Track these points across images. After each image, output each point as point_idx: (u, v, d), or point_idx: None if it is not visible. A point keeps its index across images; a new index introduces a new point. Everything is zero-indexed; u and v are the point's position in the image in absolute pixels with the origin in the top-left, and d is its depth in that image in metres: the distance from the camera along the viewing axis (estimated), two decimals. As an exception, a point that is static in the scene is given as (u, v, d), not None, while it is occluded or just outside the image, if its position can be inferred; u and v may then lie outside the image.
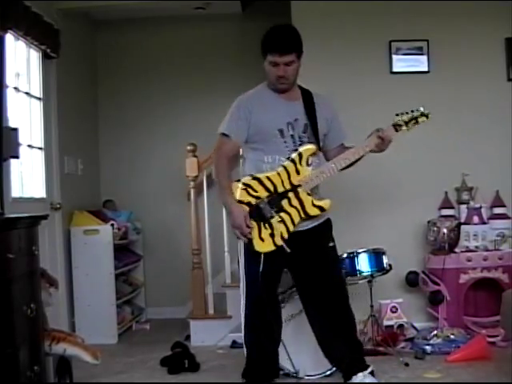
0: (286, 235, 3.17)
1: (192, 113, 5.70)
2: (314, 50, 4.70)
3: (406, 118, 3.28)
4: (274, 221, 3.17)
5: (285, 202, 3.18)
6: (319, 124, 3.27)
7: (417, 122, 3.29)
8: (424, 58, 4.69)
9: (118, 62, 5.91)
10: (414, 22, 4.69)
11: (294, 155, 3.20)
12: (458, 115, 4.68)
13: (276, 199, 3.18)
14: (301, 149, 3.21)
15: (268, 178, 3.18)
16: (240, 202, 3.17)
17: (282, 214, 3.18)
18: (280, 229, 3.16)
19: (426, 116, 3.30)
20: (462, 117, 4.69)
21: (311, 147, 3.23)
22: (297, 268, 3.32)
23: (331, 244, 3.34)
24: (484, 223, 4.49)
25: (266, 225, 3.16)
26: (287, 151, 3.21)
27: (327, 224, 3.36)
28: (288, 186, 3.19)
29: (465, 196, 4.60)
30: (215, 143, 3.33)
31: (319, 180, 3.23)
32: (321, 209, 3.23)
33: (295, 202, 3.19)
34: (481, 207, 4.52)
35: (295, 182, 3.19)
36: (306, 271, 3.29)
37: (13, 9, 3.83)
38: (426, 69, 4.70)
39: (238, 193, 3.19)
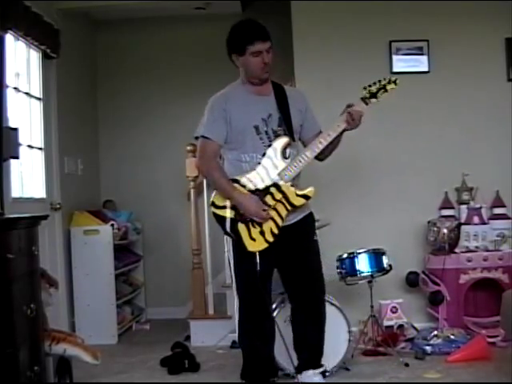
0: (276, 231, 3.17)
1: (192, 113, 5.64)
2: (313, 49, 4.74)
3: (373, 88, 3.27)
4: None
5: (268, 198, 3.17)
6: (293, 116, 3.26)
7: (386, 91, 3.27)
8: (424, 58, 4.68)
9: (118, 62, 5.91)
10: (414, 22, 4.69)
11: (269, 150, 3.19)
12: (458, 115, 4.68)
13: (259, 196, 3.16)
14: (274, 143, 3.21)
15: (248, 178, 3.18)
16: (225, 207, 3.18)
17: (268, 210, 3.17)
18: (269, 225, 3.16)
19: (394, 83, 3.28)
20: (462, 117, 4.68)
21: (284, 139, 3.22)
22: (285, 264, 3.31)
23: (315, 238, 3.36)
24: (484, 223, 4.48)
25: (255, 224, 3.16)
26: (263, 148, 3.21)
27: (310, 217, 3.37)
28: (268, 182, 3.18)
29: (465, 196, 4.59)
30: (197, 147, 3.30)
31: (297, 169, 3.21)
32: (305, 197, 3.22)
33: (279, 196, 3.18)
34: (481, 207, 4.51)
35: (274, 177, 3.19)
36: (293, 266, 3.30)
37: (13, 9, 3.83)
38: (426, 69, 4.69)
39: (222, 199, 3.20)
